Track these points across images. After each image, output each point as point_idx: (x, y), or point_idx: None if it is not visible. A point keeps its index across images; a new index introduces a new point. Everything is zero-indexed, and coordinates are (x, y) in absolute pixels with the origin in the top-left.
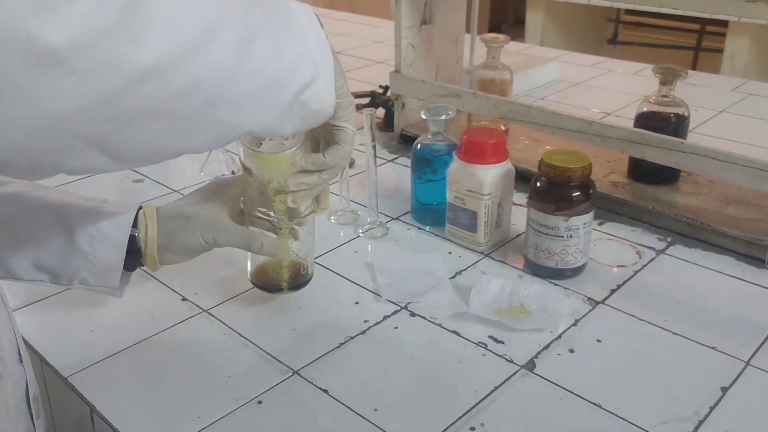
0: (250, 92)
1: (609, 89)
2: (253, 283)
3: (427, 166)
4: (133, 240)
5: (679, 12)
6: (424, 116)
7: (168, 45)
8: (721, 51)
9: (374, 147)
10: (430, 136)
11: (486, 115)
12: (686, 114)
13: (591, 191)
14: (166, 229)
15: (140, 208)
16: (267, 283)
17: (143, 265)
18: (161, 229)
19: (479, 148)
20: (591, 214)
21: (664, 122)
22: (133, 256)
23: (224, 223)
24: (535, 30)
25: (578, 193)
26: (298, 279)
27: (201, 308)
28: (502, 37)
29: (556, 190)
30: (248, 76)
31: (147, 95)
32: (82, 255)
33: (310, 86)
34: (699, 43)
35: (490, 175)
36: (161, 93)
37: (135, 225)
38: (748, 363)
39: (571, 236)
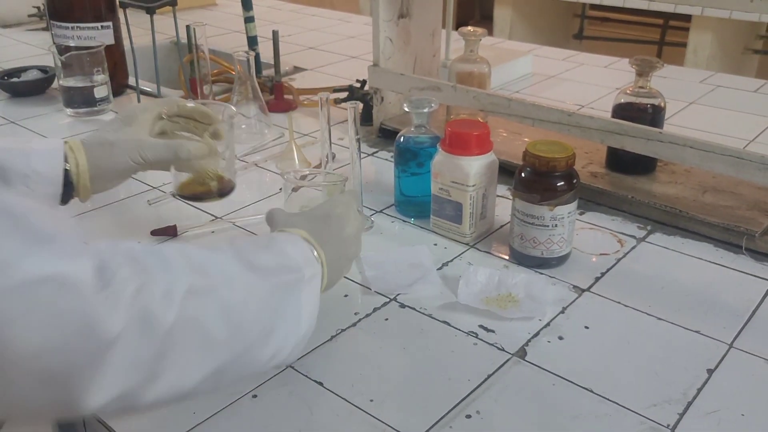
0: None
1: (582, 82)
2: (181, 196)
3: (412, 158)
4: (65, 175)
5: (645, 6)
6: (407, 109)
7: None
8: (684, 45)
9: (358, 141)
10: (413, 129)
11: (465, 108)
12: (662, 105)
13: (575, 181)
14: (94, 157)
15: (66, 143)
16: (196, 192)
17: (74, 197)
18: (90, 158)
19: (464, 139)
20: (575, 204)
21: (641, 113)
22: (67, 189)
23: (148, 140)
24: (503, 25)
25: (563, 183)
26: (224, 185)
27: None
28: (480, 30)
29: (541, 180)
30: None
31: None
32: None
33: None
34: (663, 37)
35: (475, 166)
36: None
37: (65, 160)
38: (731, 345)
39: (556, 225)
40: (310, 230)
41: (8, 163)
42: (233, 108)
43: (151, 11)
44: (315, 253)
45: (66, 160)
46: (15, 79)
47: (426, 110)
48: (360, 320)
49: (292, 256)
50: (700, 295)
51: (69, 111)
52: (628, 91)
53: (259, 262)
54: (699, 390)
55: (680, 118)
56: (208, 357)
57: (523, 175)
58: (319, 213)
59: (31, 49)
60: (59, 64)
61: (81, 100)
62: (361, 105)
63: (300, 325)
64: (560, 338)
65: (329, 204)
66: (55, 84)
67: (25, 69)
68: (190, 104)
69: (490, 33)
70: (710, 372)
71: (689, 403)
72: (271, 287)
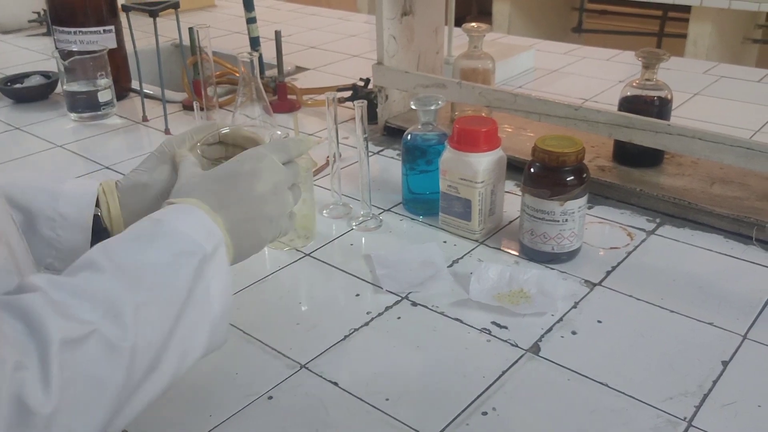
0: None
1: (584, 76)
2: None
3: (420, 156)
4: (97, 220)
5: None
6: (413, 107)
7: None
8: (684, 36)
9: (366, 139)
10: (420, 127)
11: (469, 105)
12: (669, 97)
13: (585, 175)
14: (128, 202)
15: (100, 185)
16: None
17: None
18: (123, 203)
19: (472, 136)
20: (585, 198)
21: (648, 105)
22: (100, 236)
23: (183, 178)
24: (502, 20)
25: (572, 178)
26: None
27: None
28: (483, 26)
29: (551, 175)
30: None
31: None
32: (44, 241)
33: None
34: (662, 29)
35: (483, 162)
36: None
37: (98, 203)
38: (745, 336)
39: (566, 220)
40: (205, 194)
41: (35, 205)
42: (278, 132)
43: (154, 14)
44: (212, 221)
45: (98, 205)
46: (18, 85)
47: (433, 107)
48: (372, 319)
49: (186, 235)
50: (712, 286)
51: (73, 116)
52: (634, 84)
53: (147, 262)
54: (714, 382)
55: (685, 109)
56: (106, 400)
57: (532, 170)
58: (221, 172)
59: (32, 54)
60: (62, 69)
61: (85, 104)
62: (366, 103)
63: (211, 307)
64: (573, 333)
65: (235, 160)
66: (58, 89)
67: (27, 75)
68: (226, 129)
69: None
70: (725, 364)
71: (705, 396)
72: (169, 289)
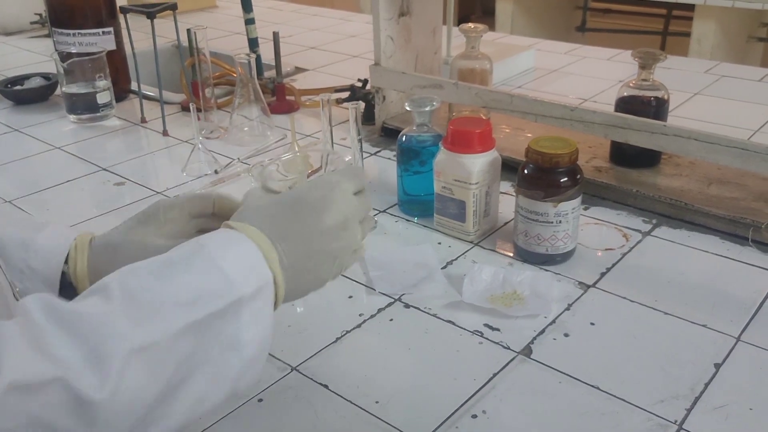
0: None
1: (584, 75)
2: None
3: (415, 157)
4: (65, 275)
5: None
6: (408, 108)
7: None
8: (688, 35)
9: (360, 141)
10: (415, 128)
11: (467, 105)
12: (666, 97)
13: (579, 176)
14: (96, 261)
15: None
16: None
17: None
18: (91, 263)
19: (466, 137)
20: (579, 199)
21: (644, 106)
22: (68, 291)
23: (151, 248)
24: (505, 19)
25: (566, 179)
26: None
27: None
28: (480, 26)
29: (544, 176)
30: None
31: None
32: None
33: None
34: (666, 27)
35: (478, 164)
36: None
37: (66, 261)
38: (738, 339)
39: (560, 222)
40: (266, 222)
41: (7, 253)
42: (348, 156)
43: (151, 16)
44: (263, 257)
45: (66, 261)
46: (18, 87)
47: (428, 109)
48: (365, 321)
49: (223, 271)
50: (707, 288)
51: (72, 117)
52: (631, 84)
53: (165, 297)
54: (706, 385)
55: (685, 109)
56: None
57: (526, 171)
58: (288, 198)
59: (33, 56)
60: (62, 71)
61: (84, 106)
62: (362, 104)
63: (240, 352)
64: (566, 335)
65: (305, 186)
66: (58, 91)
67: (28, 76)
68: (218, 195)
69: (492, 28)
70: (717, 366)
71: (697, 399)
72: (175, 328)
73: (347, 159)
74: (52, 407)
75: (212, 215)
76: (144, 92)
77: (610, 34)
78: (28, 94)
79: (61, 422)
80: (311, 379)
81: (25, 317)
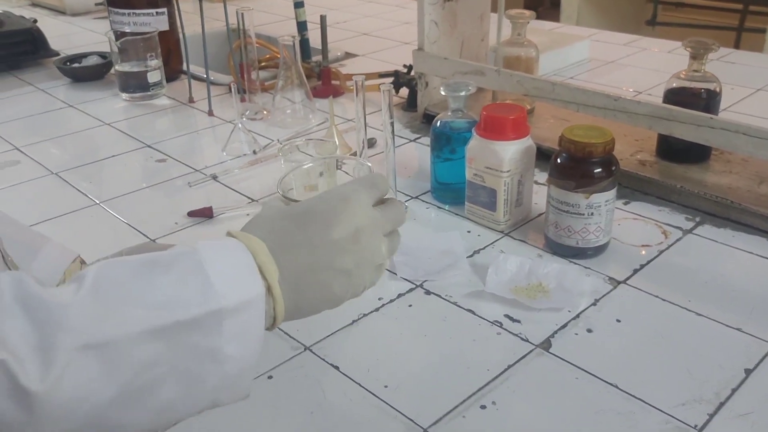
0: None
1: (642, 68)
2: None
3: (446, 143)
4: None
5: None
6: (443, 92)
7: None
8: (764, 31)
9: (392, 124)
10: (450, 113)
11: (511, 93)
12: (717, 89)
13: (614, 168)
14: None
15: (76, 259)
16: None
17: None
18: None
19: (499, 123)
20: (613, 192)
21: (694, 98)
22: None
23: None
24: (570, 11)
25: (600, 170)
26: None
27: None
28: (527, 12)
29: (576, 166)
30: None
31: None
32: None
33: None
34: (742, 23)
35: (510, 151)
36: None
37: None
38: None
39: (592, 214)
40: (271, 232)
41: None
42: (368, 163)
43: None
44: (257, 268)
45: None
46: (76, 65)
47: (462, 93)
48: (383, 305)
49: (206, 279)
50: (747, 291)
51: (124, 95)
52: (681, 75)
53: (134, 295)
54: (734, 390)
55: (744, 105)
56: None
57: (558, 160)
58: (297, 209)
59: (94, 36)
60: (115, 49)
61: (135, 84)
62: (398, 91)
63: (221, 366)
64: (589, 331)
65: (317, 197)
66: (113, 70)
67: (86, 55)
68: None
69: (557, 19)
70: (748, 372)
71: (721, 404)
72: (136, 331)
73: (369, 168)
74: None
75: None
76: (193, 73)
77: (681, 28)
78: (85, 72)
79: (1, 404)
80: (323, 359)
81: None
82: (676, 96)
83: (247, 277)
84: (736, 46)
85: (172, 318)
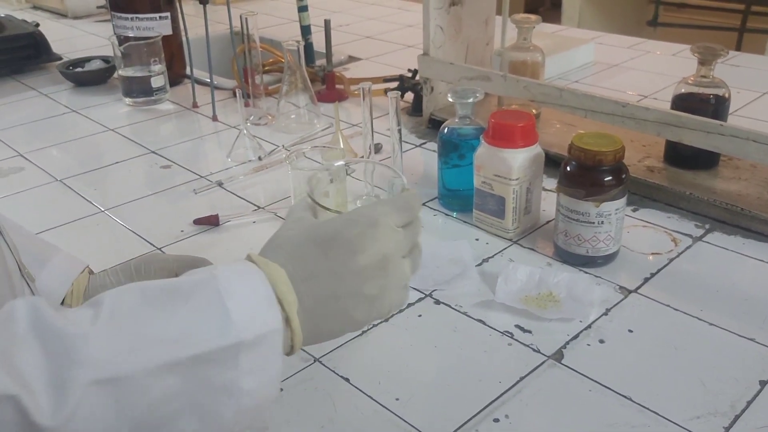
0: None
1: (646, 71)
2: None
3: (453, 150)
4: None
5: None
6: (450, 99)
7: None
8: (766, 32)
9: (399, 131)
10: (457, 120)
11: (517, 99)
12: (726, 95)
13: (624, 176)
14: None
15: (84, 269)
16: None
17: None
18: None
19: (507, 131)
20: (624, 200)
21: (702, 104)
22: None
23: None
24: (572, 12)
25: (610, 178)
26: None
27: None
28: (533, 17)
29: (586, 174)
30: None
31: None
32: None
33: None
34: (744, 23)
35: (519, 159)
36: None
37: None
38: None
39: (602, 222)
40: (292, 258)
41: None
42: (403, 178)
43: (204, 2)
44: (276, 300)
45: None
46: (79, 69)
47: (470, 100)
48: (392, 316)
49: (224, 311)
50: (759, 300)
51: (128, 100)
52: (689, 81)
53: (150, 329)
54: (749, 403)
55: (751, 109)
56: None
57: (568, 168)
58: (320, 233)
59: (97, 39)
60: (119, 54)
61: (139, 89)
62: (404, 95)
63: (238, 400)
64: (601, 341)
65: (345, 219)
66: (116, 74)
67: (89, 59)
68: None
69: (558, 21)
70: (763, 384)
71: (737, 417)
72: (153, 365)
73: (404, 182)
74: (3, 423)
75: None
76: (197, 77)
77: (683, 29)
78: (88, 77)
79: None
80: (333, 371)
81: (7, 321)
82: (684, 102)
83: (266, 309)
84: (738, 47)
85: (189, 352)
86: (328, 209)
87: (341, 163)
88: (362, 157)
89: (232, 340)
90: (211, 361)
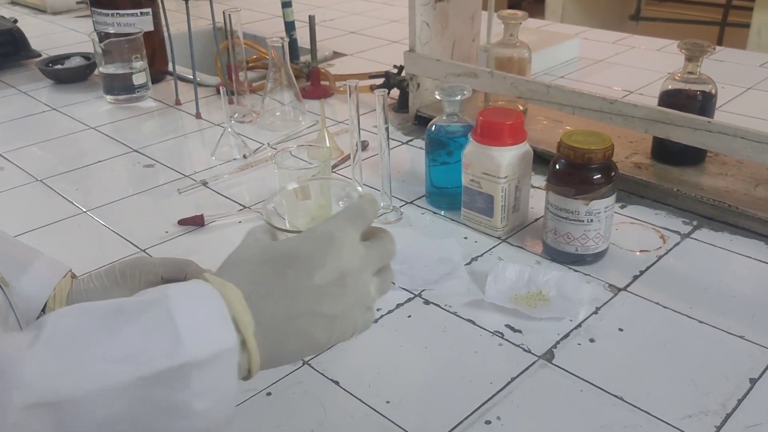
0: None
1: (632, 66)
2: None
3: (442, 148)
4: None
5: None
6: (438, 97)
7: None
8: (747, 26)
9: (387, 129)
10: (445, 118)
11: (503, 95)
12: (713, 91)
13: (613, 174)
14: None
15: (67, 273)
16: None
17: None
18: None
19: (496, 129)
20: (613, 198)
21: (689, 100)
22: None
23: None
24: (555, 7)
25: (599, 176)
26: None
27: None
28: (520, 13)
29: (576, 172)
30: None
31: None
32: None
33: None
34: (725, 17)
35: (507, 157)
36: None
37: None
38: None
39: (591, 220)
40: (248, 277)
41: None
42: (359, 188)
43: None
44: (231, 319)
45: (44, 309)
46: (59, 66)
47: (458, 98)
48: (382, 317)
49: (174, 330)
50: (747, 297)
51: (109, 98)
52: (676, 77)
53: (91, 352)
54: (740, 401)
55: (736, 104)
56: None
57: (557, 167)
58: (277, 252)
59: (77, 36)
60: (99, 51)
61: (120, 86)
62: (390, 92)
63: (191, 423)
64: (591, 341)
65: (300, 237)
66: (96, 71)
67: (69, 56)
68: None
69: (541, 15)
70: (753, 382)
71: (728, 415)
72: (96, 386)
73: (358, 190)
74: None
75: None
76: (180, 74)
77: (665, 24)
78: (68, 74)
79: None
80: (322, 374)
81: None
82: (671, 98)
83: (220, 328)
84: (720, 40)
85: (135, 373)
86: (286, 230)
87: (292, 187)
88: (348, 155)
89: (182, 359)
90: (159, 381)
